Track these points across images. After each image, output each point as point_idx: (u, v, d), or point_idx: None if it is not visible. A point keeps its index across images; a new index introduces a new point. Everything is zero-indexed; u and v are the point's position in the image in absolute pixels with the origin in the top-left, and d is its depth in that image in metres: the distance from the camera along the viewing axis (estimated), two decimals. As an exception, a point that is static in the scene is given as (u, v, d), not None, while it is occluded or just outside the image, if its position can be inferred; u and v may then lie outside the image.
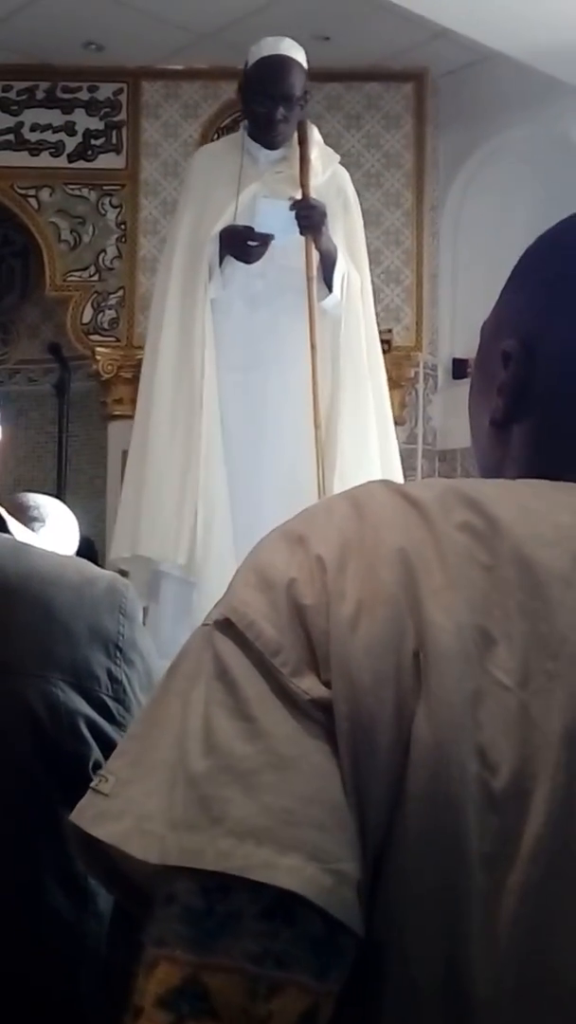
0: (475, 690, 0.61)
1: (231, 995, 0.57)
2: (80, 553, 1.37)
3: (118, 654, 1.11)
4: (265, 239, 3.10)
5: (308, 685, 0.62)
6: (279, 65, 3.15)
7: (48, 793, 1.03)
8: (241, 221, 3.17)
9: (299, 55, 3.19)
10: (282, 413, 3.20)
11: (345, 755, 0.60)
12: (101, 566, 1.24)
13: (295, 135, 3.24)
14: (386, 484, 0.69)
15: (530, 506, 0.67)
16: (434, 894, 0.60)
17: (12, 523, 1.19)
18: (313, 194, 3.18)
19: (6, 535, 1.16)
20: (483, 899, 0.60)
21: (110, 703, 1.09)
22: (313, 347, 3.16)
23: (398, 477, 3.32)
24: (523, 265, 0.79)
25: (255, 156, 3.26)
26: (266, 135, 3.20)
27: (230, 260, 3.16)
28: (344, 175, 3.41)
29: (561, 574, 0.63)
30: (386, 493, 0.68)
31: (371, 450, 3.26)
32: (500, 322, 0.78)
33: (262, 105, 3.15)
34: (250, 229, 3.12)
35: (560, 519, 0.66)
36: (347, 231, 3.31)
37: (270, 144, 3.23)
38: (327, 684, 0.61)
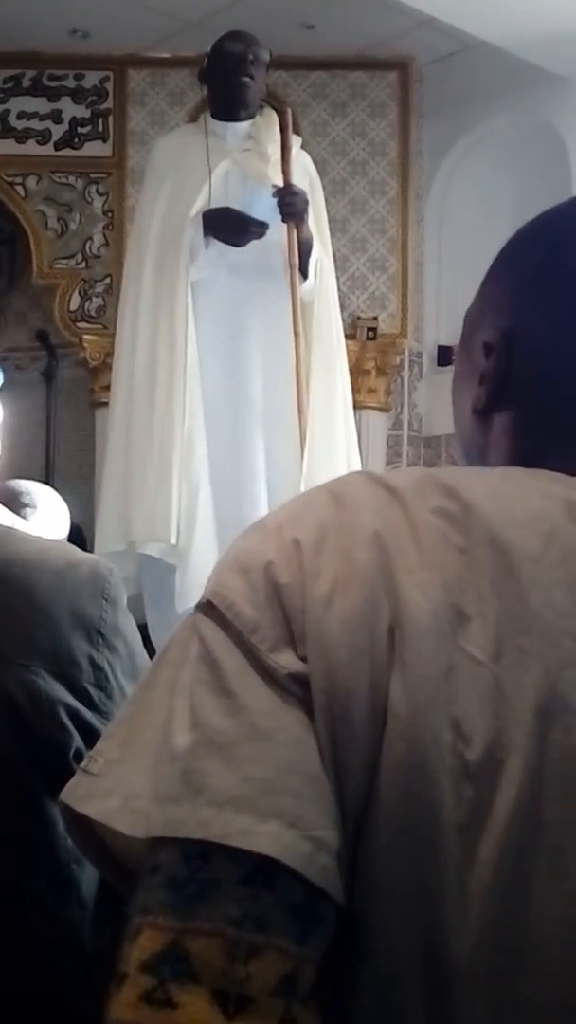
0: (449, 664, 0.63)
1: (211, 958, 0.58)
2: (70, 539, 1.35)
3: (100, 640, 1.10)
4: (263, 227, 3.12)
5: (285, 660, 0.64)
6: (236, 35, 3.24)
7: (29, 782, 1.02)
8: (215, 200, 3.19)
9: (254, 39, 3.27)
10: (265, 388, 3.22)
11: (322, 727, 0.62)
12: (90, 551, 1.23)
13: (260, 117, 3.29)
14: (364, 474, 0.72)
15: (503, 491, 0.69)
16: (410, 863, 0.61)
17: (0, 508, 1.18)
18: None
19: None
20: (458, 869, 0.61)
21: (92, 691, 1.08)
22: (296, 335, 3.18)
23: (356, 460, 3.36)
24: (504, 257, 0.80)
25: (222, 135, 3.28)
26: (235, 99, 3.24)
27: (211, 242, 3.17)
28: (306, 155, 3.45)
29: (532, 554, 0.65)
30: (364, 482, 0.70)
31: (338, 432, 3.30)
32: (482, 313, 0.80)
33: (230, 73, 3.20)
34: (244, 215, 3.14)
35: (531, 503, 0.68)
36: (314, 211, 3.33)
37: (236, 112, 3.26)
38: (304, 659, 0.64)
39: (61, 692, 1.06)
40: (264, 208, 3.14)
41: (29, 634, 1.06)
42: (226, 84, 3.23)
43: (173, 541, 3.07)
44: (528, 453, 0.74)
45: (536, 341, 0.75)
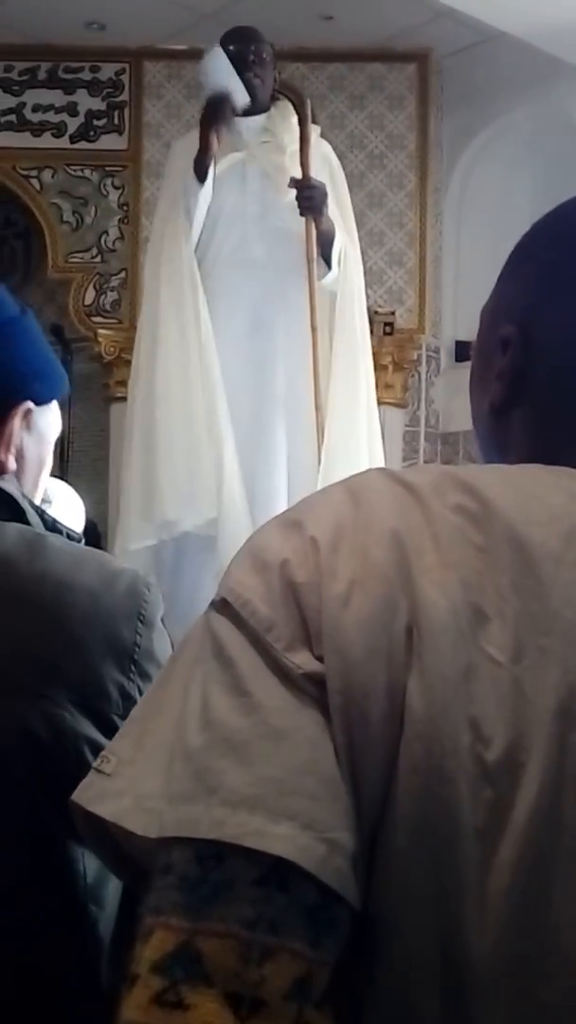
0: (468, 665, 0.62)
1: (224, 959, 0.58)
2: (84, 535, 1.29)
3: (132, 668, 1.03)
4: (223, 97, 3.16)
5: (301, 660, 0.63)
6: (242, 29, 3.28)
7: (48, 819, 0.98)
8: (231, 193, 3.21)
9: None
10: (286, 382, 3.22)
11: (338, 728, 0.61)
12: (104, 547, 1.18)
13: (275, 109, 3.30)
14: (382, 471, 0.71)
15: (523, 489, 0.68)
16: (428, 866, 0.61)
17: (29, 511, 1.11)
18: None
19: (24, 526, 1.08)
20: (477, 871, 0.60)
21: (119, 723, 1.00)
22: (314, 329, 3.17)
23: (379, 455, 3.35)
24: (519, 252, 0.80)
25: (237, 130, 3.28)
26: (250, 80, 3.25)
27: (228, 237, 3.19)
28: (326, 144, 3.45)
29: (553, 553, 0.64)
30: (382, 479, 0.69)
31: (360, 428, 3.29)
32: (498, 309, 0.79)
33: (236, 50, 3.22)
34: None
35: (552, 500, 0.67)
36: (337, 199, 3.33)
37: (250, 86, 3.26)
38: (320, 659, 0.63)
39: (87, 727, 1.00)
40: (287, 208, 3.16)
41: (57, 663, 1.01)
42: (236, 63, 3.23)
43: (213, 514, 3.05)
44: (547, 449, 0.73)
45: (553, 336, 0.74)
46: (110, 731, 1.00)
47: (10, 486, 1.10)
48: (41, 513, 1.13)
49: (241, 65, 3.23)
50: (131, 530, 3.17)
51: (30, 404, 1.13)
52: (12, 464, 1.13)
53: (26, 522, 1.09)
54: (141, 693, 1.03)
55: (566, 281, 0.75)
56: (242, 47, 3.23)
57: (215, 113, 3.18)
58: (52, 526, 1.14)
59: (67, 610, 1.01)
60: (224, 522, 3.06)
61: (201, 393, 3.13)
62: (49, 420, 1.19)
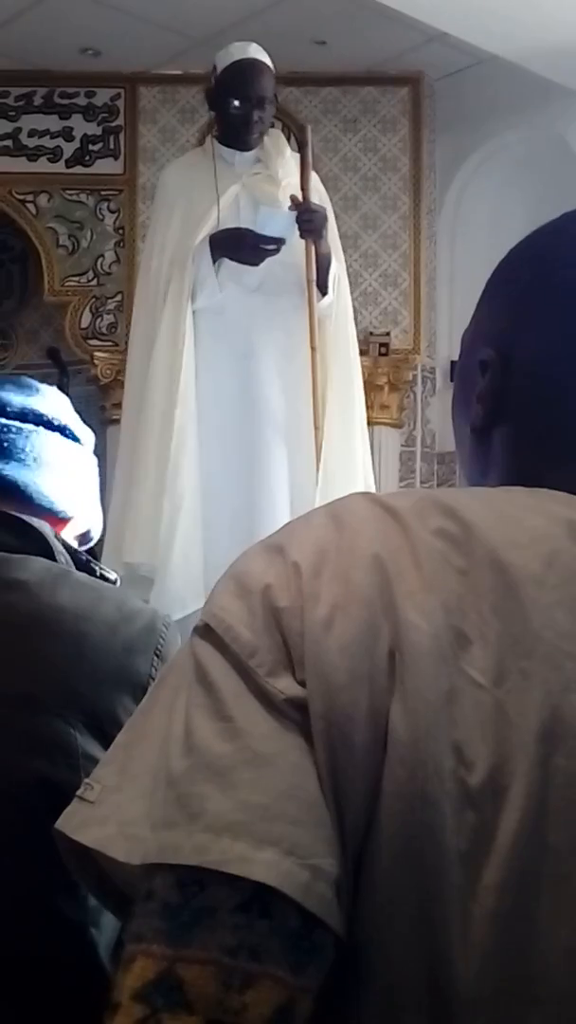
0: (450, 689, 0.61)
1: (205, 987, 0.57)
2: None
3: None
4: (277, 243, 3.11)
5: (284, 685, 0.63)
6: (250, 68, 3.19)
7: (49, 833, 1.00)
8: (225, 224, 3.18)
9: (267, 58, 3.23)
10: (279, 406, 3.22)
11: (321, 753, 0.61)
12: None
13: (268, 138, 3.28)
14: (364, 495, 0.71)
15: (504, 512, 0.68)
16: (412, 892, 0.60)
17: (58, 550, 1.15)
18: (292, 192, 3.20)
19: (50, 562, 1.12)
20: (461, 897, 0.60)
21: None
22: (313, 349, 3.18)
23: (371, 476, 3.35)
24: (496, 277, 0.81)
25: (229, 160, 3.28)
26: (243, 137, 3.24)
27: (222, 264, 3.16)
28: (314, 175, 3.44)
29: (534, 576, 0.64)
30: (364, 503, 0.69)
31: (355, 449, 3.30)
32: (477, 333, 0.80)
33: (238, 108, 3.19)
34: (254, 232, 3.13)
35: (533, 523, 0.67)
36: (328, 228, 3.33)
37: (246, 145, 3.26)
38: (302, 684, 0.62)
39: (96, 749, 1.03)
40: (279, 227, 3.14)
41: (72, 686, 1.04)
42: (243, 122, 3.21)
43: (147, 559, 3.06)
44: (527, 470, 0.74)
45: (531, 357, 0.75)
46: None
47: (44, 526, 1.15)
48: (74, 553, 1.18)
49: (245, 128, 3.20)
50: (106, 560, 3.20)
51: None
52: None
53: (53, 559, 1.12)
54: None
55: (542, 300, 0.75)
56: (248, 93, 3.17)
57: (262, 254, 3.14)
58: (85, 566, 1.17)
59: (85, 639, 1.05)
60: (161, 571, 3.06)
61: (159, 436, 3.14)
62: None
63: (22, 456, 1.18)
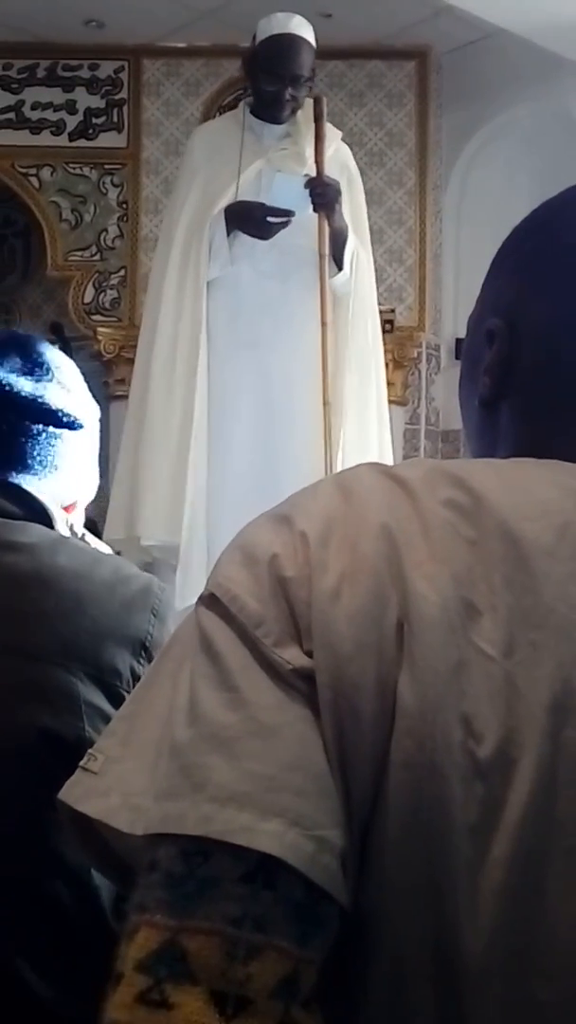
0: (459, 660, 0.61)
1: (209, 957, 0.57)
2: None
3: (143, 653, 1.11)
4: (285, 215, 3.07)
5: (290, 655, 0.62)
6: (290, 45, 3.12)
7: (57, 782, 1.02)
8: (245, 198, 3.15)
9: (308, 34, 3.17)
10: (290, 388, 3.19)
11: (328, 724, 0.61)
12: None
13: (300, 112, 3.22)
14: (373, 466, 0.70)
15: (515, 483, 0.67)
16: (420, 863, 0.60)
17: (58, 520, 1.19)
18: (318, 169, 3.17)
19: (48, 530, 1.17)
20: (469, 869, 0.60)
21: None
22: (324, 325, 3.15)
23: (388, 456, 3.34)
24: (503, 248, 0.80)
25: (258, 133, 3.24)
26: (273, 114, 3.19)
27: (238, 236, 3.14)
28: (347, 151, 3.41)
29: (546, 547, 0.63)
30: (372, 473, 0.69)
31: (371, 429, 3.29)
32: (483, 307, 0.80)
33: (271, 84, 3.13)
34: (264, 205, 3.10)
35: (544, 495, 0.66)
36: (352, 207, 3.30)
37: (275, 120, 3.21)
38: (309, 654, 0.62)
39: (98, 698, 1.06)
40: (291, 198, 3.10)
41: (73, 639, 1.07)
42: (275, 99, 3.15)
43: (179, 540, 3.05)
44: (537, 440, 0.73)
45: (537, 324, 0.74)
46: (120, 705, 1.03)
47: (46, 498, 1.18)
48: (71, 528, 1.22)
49: (276, 105, 3.15)
50: (112, 529, 3.19)
51: None
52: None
53: (52, 528, 1.17)
54: None
55: (547, 268, 0.75)
56: (281, 72, 3.10)
57: (271, 227, 3.09)
58: (81, 540, 1.22)
59: (85, 596, 1.09)
60: (185, 554, 3.06)
61: (181, 417, 3.12)
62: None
63: (31, 463, 1.20)
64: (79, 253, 4.87)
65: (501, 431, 0.76)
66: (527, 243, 0.78)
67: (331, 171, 3.21)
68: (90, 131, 4.83)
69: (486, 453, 0.78)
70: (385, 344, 4.73)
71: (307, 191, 3.09)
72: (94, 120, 4.83)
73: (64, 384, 1.24)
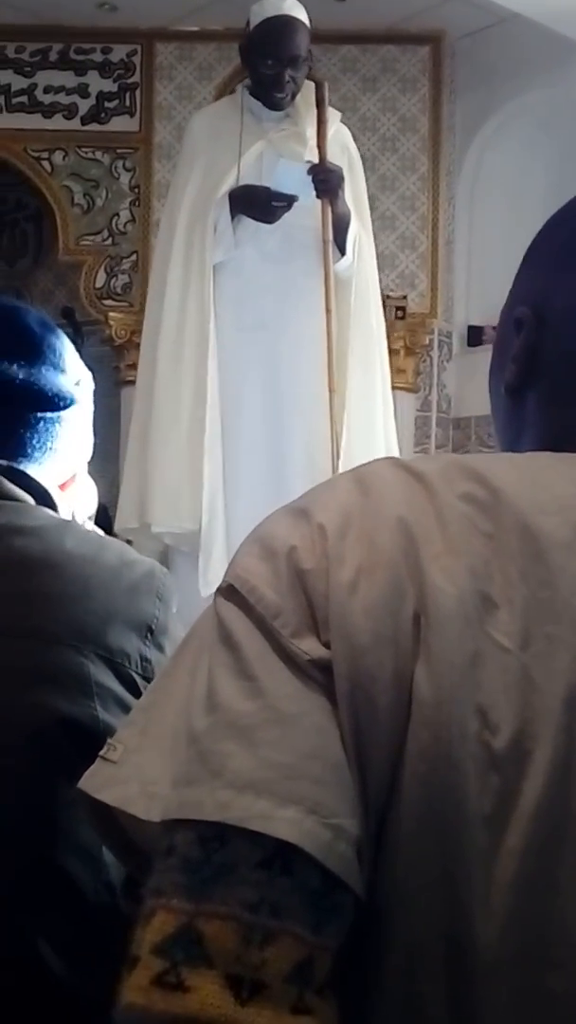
0: (475, 652, 0.61)
1: (225, 941, 0.57)
2: (97, 518, 1.38)
3: (149, 636, 1.12)
4: (289, 199, 3.07)
5: (308, 646, 0.63)
6: (285, 26, 3.11)
7: (70, 763, 1.03)
8: (247, 181, 3.14)
9: (302, 14, 3.16)
10: (296, 372, 3.19)
11: (345, 715, 0.61)
12: (113, 533, 1.25)
13: (299, 94, 3.22)
14: (390, 460, 0.71)
15: (532, 478, 0.68)
16: (435, 853, 0.60)
17: (60, 502, 1.21)
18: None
19: (53, 513, 1.18)
20: (484, 860, 0.60)
21: (139, 680, 1.10)
22: (329, 311, 3.15)
23: (394, 441, 3.33)
24: (534, 241, 0.81)
25: (258, 115, 3.23)
26: (274, 96, 3.18)
27: (242, 220, 3.13)
28: (346, 132, 3.39)
29: (563, 542, 0.64)
30: (389, 468, 0.69)
31: (376, 414, 3.28)
32: (514, 296, 0.80)
33: (270, 68, 3.12)
34: (269, 189, 3.09)
35: (562, 490, 0.67)
36: (353, 189, 3.29)
37: (276, 105, 3.20)
38: (327, 645, 0.62)
39: (109, 679, 1.08)
40: (294, 183, 3.09)
41: (83, 621, 1.08)
42: (274, 81, 3.14)
43: (197, 527, 3.06)
44: (561, 427, 0.73)
45: (564, 313, 0.75)
46: (130, 687, 1.09)
47: (47, 483, 1.20)
48: (72, 515, 1.25)
49: (277, 87, 3.13)
50: (123, 516, 3.19)
51: None
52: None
53: (56, 511, 1.19)
54: (156, 662, 1.12)
55: (573, 259, 0.75)
56: (280, 54, 3.09)
57: (275, 211, 3.09)
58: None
59: (92, 580, 1.10)
60: (207, 540, 3.05)
61: (191, 402, 3.11)
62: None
63: (30, 451, 1.21)
64: (91, 237, 4.86)
65: (526, 418, 0.77)
66: (556, 234, 0.78)
67: (331, 152, 3.20)
68: (102, 115, 4.82)
69: (511, 440, 0.79)
70: (397, 331, 4.74)
71: (310, 178, 3.09)
72: (106, 104, 4.82)
73: (56, 363, 1.23)
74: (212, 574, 2.98)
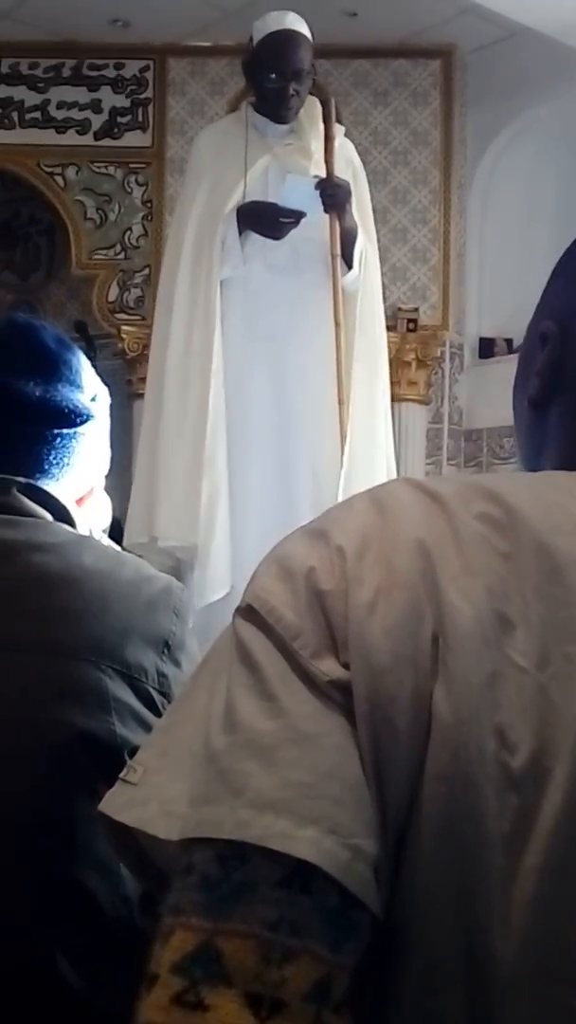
0: (493, 672, 0.61)
1: (245, 960, 0.57)
2: (111, 533, 1.38)
3: (166, 652, 1.12)
4: (297, 215, 3.09)
5: (327, 667, 0.63)
6: (288, 40, 3.14)
7: (88, 777, 1.04)
8: (253, 195, 3.16)
9: (304, 28, 3.18)
10: (304, 383, 3.20)
11: (364, 735, 0.61)
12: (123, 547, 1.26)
13: (303, 108, 3.23)
14: (407, 480, 0.71)
15: (548, 498, 0.68)
16: (453, 873, 0.60)
17: (78, 517, 1.21)
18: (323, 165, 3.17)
19: (71, 529, 1.18)
20: (502, 879, 0.60)
21: (155, 695, 1.10)
22: (338, 324, 3.16)
23: (392, 454, 3.33)
24: (563, 258, 0.81)
25: (262, 130, 3.24)
26: (279, 111, 3.19)
27: (249, 235, 3.15)
28: (350, 145, 3.40)
29: None
30: (406, 489, 0.69)
31: (378, 427, 3.29)
32: (540, 311, 0.81)
33: (274, 82, 3.14)
34: (277, 206, 3.11)
35: None
36: (358, 202, 3.30)
37: (282, 119, 3.22)
38: (346, 666, 0.62)
39: (127, 695, 1.08)
40: (302, 198, 3.11)
41: (99, 636, 1.09)
42: (279, 96, 3.16)
43: (195, 540, 3.07)
44: None
45: None
46: (148, 702, 1.10)
47: (64, 499, 1.21)
48: (89, 530, 1.25)
49: (281, 102, 3.15)
50: (132, 530, 3.20)
51: None
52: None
53: (75, 527, 1.20)
54: (173, 677, 1.12)
55: None
56: (284, 68, 3.11)
57: (282, 227, 3.11)
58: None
59: (110, 595, 1.11)
60: (203, 551, 3.06)
61: (209, 413, 3.12)
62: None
63: (48, 468, 1.22)
64: (103, 252, 4.89)
65: (549, 432, 0.77)
66: None
67: (337, 167, 3.21)
68: (115, 130, 4.85)
69: (533, 453, 0.80)
70: (408, 343, 4.75)
71: (318, 192, 3.11)
72: (119, 119, 4.85)
73: (73, 380, 1.24)
74: (208, 586, 2.98)
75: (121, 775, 0.68)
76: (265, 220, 3.11)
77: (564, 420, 0.76)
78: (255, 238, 3.15)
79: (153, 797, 0.65)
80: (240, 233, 3.14)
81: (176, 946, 0.59)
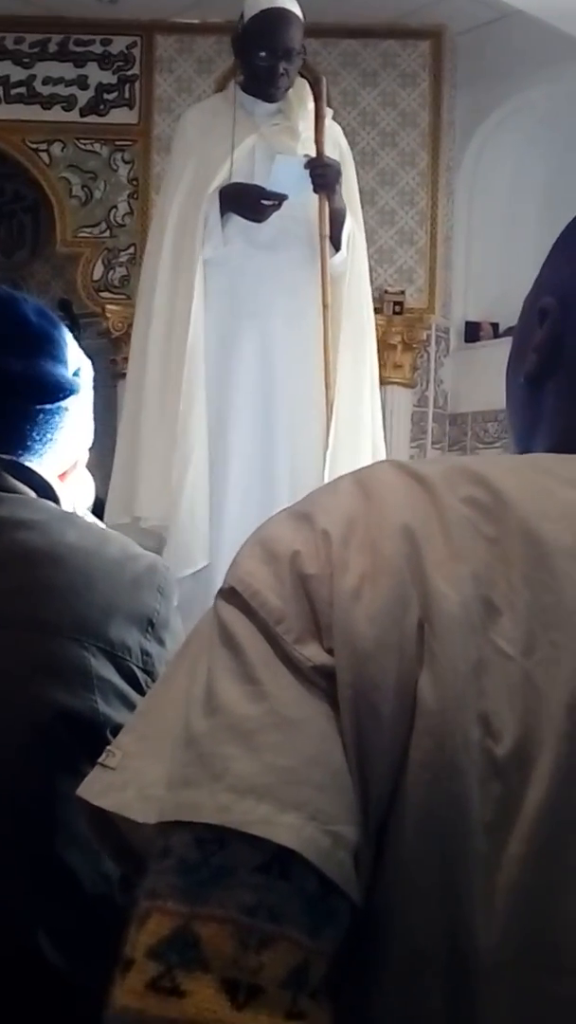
0: (479, 659, 0.61)
1: (222, 945, 0.57)
2: (93, 512, 1.38)
3: (150, 630, 1.12)
4: (279, 198, 3.07)
5: (311, 652, 0.62)
6: (279, 19, 3.11)
7: (70, 755, 1.04)
8: (239, 175, 3.14)
9: (295, 7, 3.15)
10: (289, 363, 3.19)
11: (348, 722, 0.61)
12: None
13: (291, 89, 3.21)
14: (392, 463, 0.70)
15: (536, 482, 0.67)
16: (436, 860, 0.60)
17: (62, 493, 1.21)
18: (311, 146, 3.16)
19: (55, 506, 1.18)
20: (485, 866, 0.60)
21: (139, 674, 1.10)
22: (325, 306, 3.15)
23: (380, 437, 3.33)
24: (563, 233, 0.80)
25: (250, 109, 3.22)
26: (268, 89, 3.17)
27: (232, 216, 3.13)
28: (337, 128, 3.39)
29: (567, 549, 0.63)
30: (391, 471, 0.69)
31: (364, 409, 3.28)
32: (538, 287, 0.80)
33: (264, 60, 3.12)
34: (260, 188, 3.09)
35: (565, 495, 0.66)
36: (345, 184, 3.29)
37: (270, 97, 3.20)
38: (330, 652, 0.62)
39: (110, 672, 1.08)
40: (291, 178, 3.09)
41: (83, 614, 1.08)
42: (268, 74, 3.14)
43: (157, 514, 3.08)
44: (571, 427, 0.73)
45: None
46: (131, 680, 1.09)
47: (48, 475, 1.20)
48: (73, 507, 1.25)
49: (269, 77, 3.13)
50: (112, 510, 3.20)
51: None
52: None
53: (58, 504, 1.19)
54: (157, 656, 1.12)
55: None
56: (274, 46, 3.08)
57: (264, 209, 3.08)
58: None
59: (95, 573, 1.10)
60: (175, 523, 3.06)
61: (176, 393, 3.11)
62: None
63: (31, 444, 1.21)
64: (88, 230, 4.85)
65: (543, 409, 0.77)
66: None
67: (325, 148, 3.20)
68: (101, 107, 4.81)
69: (526, 431, 0.79)
70: (394, 326, 4.74)
71: (307, 172, 3.09)
72: (105, 96, 4.81)
73: (55, 354, 1.23)
74: (180, 559, 2.97)
75: (100, 760, 0.67)
76: (247, 202, 3.09)
77: (558, 398, 0.76)
78: (238, 218, 3.14)
79: (131, 781, 0.64)
80: (222, 214, 3.12)
81: (152, 930, 0.58)
